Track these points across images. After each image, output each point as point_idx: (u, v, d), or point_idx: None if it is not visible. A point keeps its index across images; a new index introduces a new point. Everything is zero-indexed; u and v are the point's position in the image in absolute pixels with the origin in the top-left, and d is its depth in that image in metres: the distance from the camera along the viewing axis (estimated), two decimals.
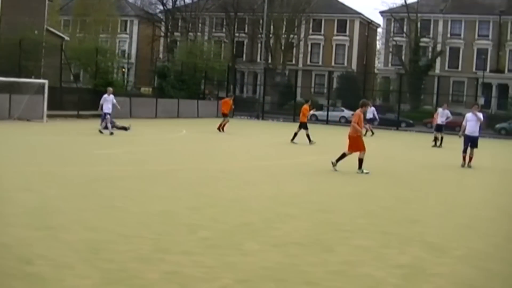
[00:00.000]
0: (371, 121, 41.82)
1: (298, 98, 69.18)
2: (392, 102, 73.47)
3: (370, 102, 43.44)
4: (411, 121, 61.66)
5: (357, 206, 13.19)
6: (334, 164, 19.52)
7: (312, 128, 31.84)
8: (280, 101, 76.09)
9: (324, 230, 10.49)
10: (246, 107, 66.42)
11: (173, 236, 9.38)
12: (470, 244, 10.10)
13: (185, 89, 59.65)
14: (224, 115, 37.71)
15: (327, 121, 58.45)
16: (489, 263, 8.92)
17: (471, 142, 23.11)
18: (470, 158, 23.13)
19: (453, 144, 30.55)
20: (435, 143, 34.63)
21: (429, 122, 54.28)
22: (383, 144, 34.12)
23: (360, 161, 19.47)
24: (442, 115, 35.12)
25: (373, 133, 40.01)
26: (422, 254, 9.17)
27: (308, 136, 30.54)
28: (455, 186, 18.31)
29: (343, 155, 19.66)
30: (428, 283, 7.78)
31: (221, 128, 36.32)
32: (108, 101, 30.42)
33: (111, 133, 29.10)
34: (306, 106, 31.87)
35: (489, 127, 58.64)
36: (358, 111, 20.20)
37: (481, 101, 66.63)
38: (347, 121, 63.37)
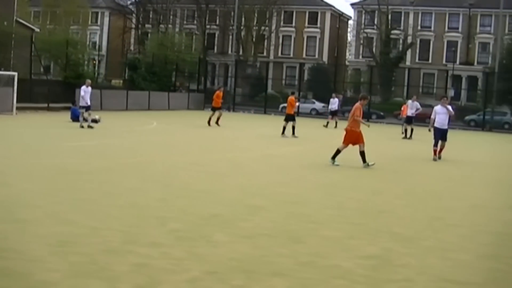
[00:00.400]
0: (335, 113, 42.01)
1: (269, 90, 69.30)
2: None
3: (336, 94, 43.62)
4: (381, 113, 61.91)
5: (326, 198, 13.27)
6: (332, 162, 19.38)
7: (283, 120, 31.82)
8: (251, 93, 76.07)
9: (294, 221, 10.54)
10: None
11: (143, 228, 9.39)
12: (438, 235, 10.19)
13: (156, 81, 59.49)
14: (217, 109, 36.50)
15: (297, 113, 58.38)
16: (457, 254, 9.01)
17: (441, 135, 23.13)
18: (441, 150, 23.12)
19: (423, 136, 30.77)
20: (405, 135, 34.82)
21: (399, 114, 54.62)
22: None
23: (362, 154, 19.43)
24: (411, 107, 35.34)
25: (336, 125, 39.99)
26: (390, 245, 9.26)
27: (293, 128, 30.47)
28: (425, 177, 18.39)
29: (338, 151, 19.57)
30: (396, 273, 7.85)
31: (217, 122, 35.39)
32: (87, 93, 29.91)
33: (82, 127, 28.84)
34: (292, 98, 31.86)
35: (459, 119, 59.07)
36: (358, 104, 20.01)
37: (451, 93, 67.14)
38: (318, 113, 63.65)
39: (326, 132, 36.66)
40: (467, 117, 60.57)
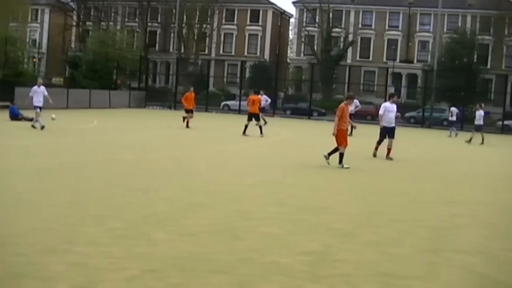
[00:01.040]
0: (263, 109, 41.23)
1: (211, 87, 69.33)
2: (304, 92, 74.32)
3: (265, 91, 43.27)
4: (323, 110, 62.25)
5: (268, 195, 13.28)
6: (341, 166, 18.93)
7: (225, 118, 31.91)
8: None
9: (234, 218, 10.53)
10: (158, 97, 66.28)
11: (81, 227, 9.27)
12: (376, 230, 10.30)
13: (97, 79, 59.13)
14: (189, 111, 34.84)
15: (239, 111, 58.62)
16: (396, 248, 9.13)
17: (388, 133, 22.85)
18: (389, 150, 22.74)
19: (363, 133, 31.01)
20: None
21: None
22: (295, 133, 34.41)
23: (341, 155, 19.09)
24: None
25: (265, 122, 39.56)
26: (329, 241, 9.32)
27: (246, 127, 30.47)
28: (365, 174, 18.53)
29: (338, 151, 19.27)
30: (334, 269, 7.90)
31: (187, 124, 33.88)
32: (38, 93, 29.18)
33: (38, 127, 28.19)
34: (259, 97, 31.75)
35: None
36: (343, 104, 19.50)
37: (391, 90, 67.84)
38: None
39: (267, 129, 36.71)
40: (407, 114, 61.31)
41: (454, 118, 42.04)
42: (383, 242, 9.47)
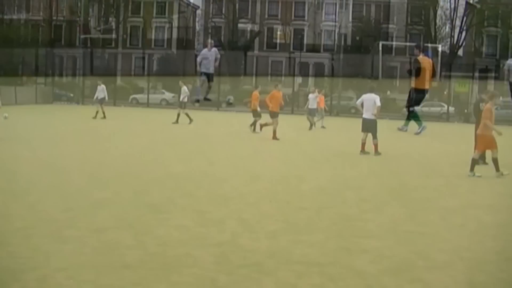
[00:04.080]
0: (102, 100, 38.41)
1: (118, 82, 68.89)
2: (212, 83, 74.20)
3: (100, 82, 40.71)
4: (231, 102, 62.26)
5: (175, 188, 13.28)
6: (473, 174, 16.58)
7: (133, 111, 31.65)
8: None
9: (142, 212, 10.51)
10: (65, 93, 65.53)
11: None
12: (285, 218, 10.44)
13: (1, 75, 58.02)
14: (274, 114, 27.03)
15: (147, 104, 58.45)
16: (306, 236, 9.27)
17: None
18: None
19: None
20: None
21: (249, 101, 55.12)
22: (202, 125, 34.34)
23: (495, 161, 16.67)
24: None
25: (104, 116, 36.90)
26: (239, 231, 9.41)
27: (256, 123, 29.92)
28: (273, 162, 18.68)
29: (474, 161, 16.87)
30: (246, 259, 7.97)
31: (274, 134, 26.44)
32: None
33: None
34: (256, 92, 30.91)
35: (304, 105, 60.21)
36: (488, 105, 16.79)
37: (299, 80, 68.46)
38: (168, 104, 63.61)
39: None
40: None
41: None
42: (291, 230, 9.60)
